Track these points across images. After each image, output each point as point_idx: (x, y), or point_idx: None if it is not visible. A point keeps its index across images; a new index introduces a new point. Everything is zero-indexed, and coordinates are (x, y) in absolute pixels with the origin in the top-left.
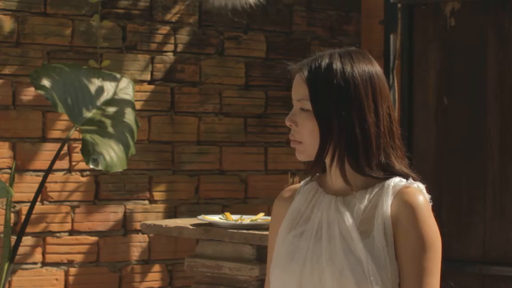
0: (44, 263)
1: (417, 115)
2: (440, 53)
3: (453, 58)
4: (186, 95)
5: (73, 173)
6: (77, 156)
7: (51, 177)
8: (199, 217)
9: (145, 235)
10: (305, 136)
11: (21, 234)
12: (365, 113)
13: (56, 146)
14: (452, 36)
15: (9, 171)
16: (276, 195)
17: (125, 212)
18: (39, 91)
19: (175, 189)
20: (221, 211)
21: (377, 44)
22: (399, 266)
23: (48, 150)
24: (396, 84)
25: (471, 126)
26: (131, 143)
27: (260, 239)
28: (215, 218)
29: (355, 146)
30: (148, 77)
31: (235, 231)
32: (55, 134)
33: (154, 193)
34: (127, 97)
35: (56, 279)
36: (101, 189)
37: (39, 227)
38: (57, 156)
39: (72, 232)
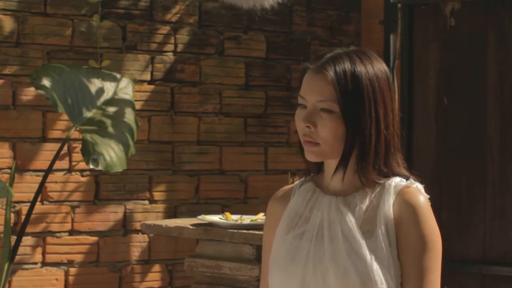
0: (44, 263)
1: (417, 115)
2: (440, 53)
3: (453, 58)
4: (186, 95)
5: (73, 173)
6: (77, 156)
7: (51, 177)
8: (199, 217)
9: (145, 235)
10: (324, 137)
11: (21, 234)
12: (388, 113)
13: (56, 146)
14: (452, 36)
15: (9, 171)
16: None
17: (125, 212)
18: (39, 91)
19: (175, 189)
20: (221, 211)
21: (377, 44)
22: (401, 265)
23: (48, 150)
24: (396, 84)
25: (471, 126)
26: (131, 143)
27: (260, 239)
28: (215, 218)
29: (378, 147)
30: (148, 77)
31: (235, 231)
32: (55, 134)
33: (154, 193)
34: (127, 97)
35: (56, 279)
36: (101, 189)
37: (39, 227)
38: (57, 156)
39: (72, 232)
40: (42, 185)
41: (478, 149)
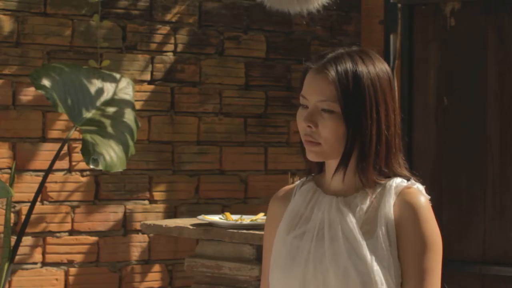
0: (44, 263)
1: (417, 115)
2: (440, 53)
3: (453, 58)
4: (186, 95)
5: (73, 173)
6: (77, 156)
7: (51, 177)
8: (199, 217)
9: (145, 235)
10: (325, 137)
11: (21, 234)
12: (389, 113)
13: (56, 146)
14: (452, 36)
15: (9, 171)
16: None
17: (125, 212)
18: (39, 91)
19: (175, 189)
20: (221, 211)
21: (377, 44)
22: (401, 266)
23: (48, 150)
24: (396, 84)
25: (471, 126)
26: (131, 143)
27: (260, 239)
28: (215, 218)
29: (379, 148)
30: (148, 77)
31: (235, 231)
32: (55, 134)
33: (154, 193)
34: (127, 97)
35: (56, 279)
36: (101, 189)
37: (39, 227)
38: (57, 156)
39: (72, 232)
40: (42, 185)
41: (478, 149)
